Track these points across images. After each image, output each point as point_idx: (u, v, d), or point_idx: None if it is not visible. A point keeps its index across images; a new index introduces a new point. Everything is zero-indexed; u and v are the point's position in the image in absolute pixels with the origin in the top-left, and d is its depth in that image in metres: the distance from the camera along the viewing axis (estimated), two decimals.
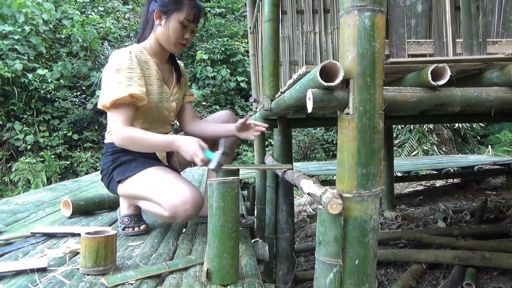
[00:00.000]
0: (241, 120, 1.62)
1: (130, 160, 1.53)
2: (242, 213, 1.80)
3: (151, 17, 1.54)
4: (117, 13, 8.99)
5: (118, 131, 1.40)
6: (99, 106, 1.46)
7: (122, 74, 1.42)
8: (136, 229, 1.60)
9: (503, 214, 3.21)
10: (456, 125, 7.58)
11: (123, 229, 1.60)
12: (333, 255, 0.86)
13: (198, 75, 7.99)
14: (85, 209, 1.96)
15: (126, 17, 9.32)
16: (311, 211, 4.45)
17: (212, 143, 1.65)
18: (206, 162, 1.34)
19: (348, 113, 0.84)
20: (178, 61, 1.75)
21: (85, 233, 1.11)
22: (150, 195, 1.43)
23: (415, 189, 5.13)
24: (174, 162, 1.75)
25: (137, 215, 1.64)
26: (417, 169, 4.24)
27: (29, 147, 6.51)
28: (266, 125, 1.65)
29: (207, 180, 1.13)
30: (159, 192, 1.40)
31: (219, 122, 1.73)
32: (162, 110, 1.60)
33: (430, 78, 0.92)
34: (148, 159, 1.55)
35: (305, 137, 8.10)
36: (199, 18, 1.56)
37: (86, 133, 6.96)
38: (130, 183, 1.50)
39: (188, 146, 1.37)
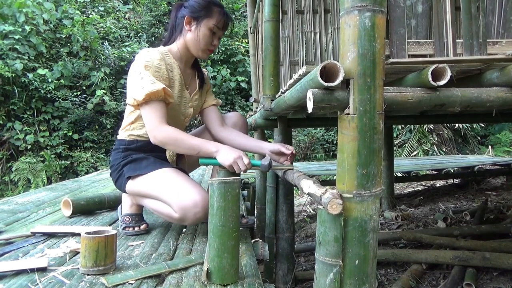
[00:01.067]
0: (280, 148, 1.50)
1: (141, 158, 1.54)
2: (242, 213, 1.80)
3: (181, 22, 1.56)
4: (117, 13, 9.00)
5: (158, 129, 1.40)
6: (129, 102, 1.47)
7: (152, 71, 1.44)
8: (136, 228, 1.60)
9: (503, 214, 3.21)
10: (456, 125, 7.59)
11: (124, 228, 1.60)
12: (333, 255, 0.86)
13: None
14: (85, 209, 1.96)
15: (126, 17, 9.33)
16: (311, 211, 4.45)
17: None
18: (250, 166, 1.36)
19: (348, 113, 0.84)
20: (203, 69, 1.76)
21: (85, 233, 1.11)
22: (160, 195, 1.43)
23: (415, 189, 5.13)
24: (183, 164, 1.76)
25: (139, 215, 1.65)
26: (417, 169, 4.24)
27: (29, 146, 6.52)
28: (294, 152, 1.55)
29: (208, 180, 1.12)
30: (170, 193, 1.40)
31: (229, 124, 1.71)
32: (178, 115, 1.62)
33: (430, 79, 0.92)
34: (159, 159, 1.57)
35: (305, 137, 8.10)
36: (227, 26, 1.60)
37: (86, 133, 6.96)
38: (141, 181, 1.49)
39: (230, 151, 1.36)
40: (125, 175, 1.53)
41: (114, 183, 1.63)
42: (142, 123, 1.51)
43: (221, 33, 1.59)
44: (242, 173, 1.36)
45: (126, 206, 1.65)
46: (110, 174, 1.64)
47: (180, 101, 1.61)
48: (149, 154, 1.55)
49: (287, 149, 1.49)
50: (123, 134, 1.59)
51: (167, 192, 1.41)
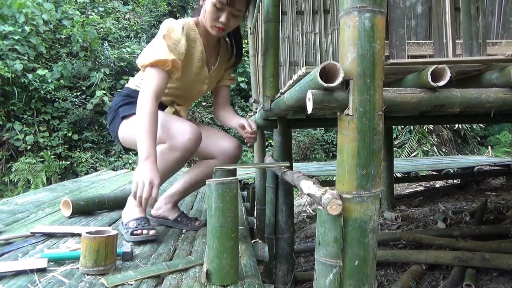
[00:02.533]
0: (244, 123, 1.66)
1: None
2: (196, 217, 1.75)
3: None
4: (117, 13, 9.00)
5: (146, 96, 1.38)
6: (138, 63, 1.48)
7: (169, 42, 1.44)
8: (145, 231, 1.44)
9: (502, 215, 3.21)
10: (456, 126, 7.59)
11: (132, 233, 1.43)
12: (332, 256, 0.86)
13: None
14: (85, 209, 1.96)
15: (126, 17, 9.33)
16: (311, 211, 4.45)
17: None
18: (153, 200, 1.26)
19: (348, 114, 0.84)
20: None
21: (86, 233, 1.11)
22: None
23: (415, 189, 5.14)
24: None
25: (144, 218, 1.50)
26: (417, 170, 4.24)
27: (29, 147, 6.51)
28: (251, 131, 1.65)
29: (207, 181, 1.11)
30: (163, 126, 1.44)
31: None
32: (192, 90, 1.66)
33: (430, 79, 0.92)
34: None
35: (305, 137, 8.11)
36: (234, 2, 1.45)
37: (86, 134, 6.96)
38: (134, 120, 1.47)
39: (146, 171, 1.26)
40: (120, 114, 1.56)
41: (109, 124, 1.66)
42: None
43: (232, 10, 1.47)
44: (143, 203, 1.25)
45: (128, 214, 1.53)
46: (107, 118, 1.68)
47: (197, 78, 1.62)
48: None
49: (249, 126, 1.62)
50: (132, 83, 1.65)
51: (160, 130, 1.42)
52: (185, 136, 1.42)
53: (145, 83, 1.42)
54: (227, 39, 1.76)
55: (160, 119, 1.44)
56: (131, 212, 1.54)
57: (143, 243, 1.43)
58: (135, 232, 1.43)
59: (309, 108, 0.88)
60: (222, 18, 1.48)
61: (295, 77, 1.14)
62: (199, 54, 1.57)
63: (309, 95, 0.87)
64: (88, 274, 1.10)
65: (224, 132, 1.73)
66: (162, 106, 1.61)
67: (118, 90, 7.36)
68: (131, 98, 1.59)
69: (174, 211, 1.71)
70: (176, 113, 1.67)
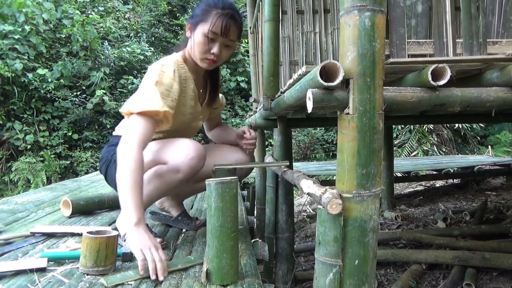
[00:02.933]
0: (243, 131, 1.63)
1: None
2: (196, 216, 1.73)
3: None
4: (117, 12, 9.00)
5: (131, 144, 1.22)
6: (122, 111, 1.33)
7: (161, 89, 1.30)
8: None
9: (503, 214, 3.21)
10: (456, 125, 7.59)
11: None
12: (332, 255, 0.86)
13: None
14: (84, 209, 1.96)
15: (126, 17, 9.33)
16: (311, 211, 4.45)
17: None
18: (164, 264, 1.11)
19: (348, 113, 0.84)
20: (220, 95, 1.70)
21: (87, 233, 1.11)
22: (154, 157, 1.35)
23: (415, 189, 5.13)
24: None
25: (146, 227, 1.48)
26: (417, 170, 4.24)
27: (29, 146, 6.52)
28: (251, 139, 1.62)
29: (206, 181, 1.08)
30: (162, 150, 1.35)
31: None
32: (187, 129, 1.57)
33: (430, 78, 0.92)
34: None
35: (305, 137, 8.11)
36: (227, 30, 1.35)
37: (86, 133, 6.97)
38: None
39: (146, 241, 1.13)
40: (116, 161, 1.41)
41: (105, 176, 1.51)
42: None
43: (225, 40, 1.38)
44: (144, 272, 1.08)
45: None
46: (100, 170, 1.54)
47: (192, 117, 1.52)
48: None
49: (248, 131, 1.59)
50: (120, 131, 1.49)
51: (160, 151, 1.35)
52: (189, 155, 1.28)
53: (130, 131, 1.25)
54: None
55: (157, 143, 1.37)
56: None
57: None
58: None
59: (309, 107, 0.88)
60: (215, 49, 1.37)
61: (295, 76, 1.14)
62: (191, 92, 1.46)
63: (309, 94, 0.87)
64: (87, 274, 1.10)
65: (229, 145, 1.66)
66: None
67: (118, 89, 7.37)
68: None
69: (178, 208, 1.71)
70: None
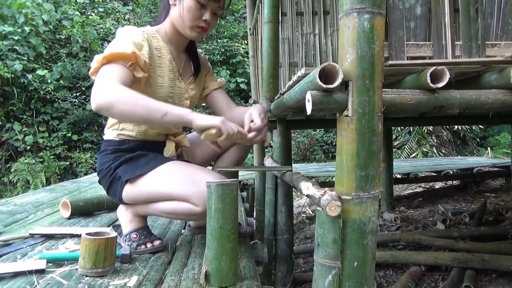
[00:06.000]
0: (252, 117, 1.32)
1: (137, 156, 1.31)
2: (239, 222, 1.69)
3: None
4: (117, 14, 9.00)
5: (109, 86, 1.09)
6: (90, 72, 1.21)
7: (133, 39, 1.22)
8: (149, 245, 1.33)
9: (502, 216, 3.21)
10: (456, 127, 7.60)
11: (136, 247, 1.31)
12: (331, 257, 0.86)
13: None
14: (84, 210, 1.96)
15: (126, 18, 9.33)
16: (310, 212, 4.45)
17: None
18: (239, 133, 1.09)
19: (347, 115, 0.84)
20: (199, 51, 1.51)
21: (86, 234, 1.11)
22: (174, 191, 1.21)
23: (414, 191, 5.14)
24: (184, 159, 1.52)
25: (145, 228, 1.39)
26: (416, 171, 4.24)
27: (28, 147, 6.51)
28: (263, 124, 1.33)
29: (206, 181, 1.07)
30: (186, 185, 1.19)
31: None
32: None
33: (429, 81, 0.92)
34: (160, 155, 1.37)
35: (305, 138, 8.11)
36: None
37: (86, 134, 6.96)
38: (144, 183, 1.25)
39: (211, 116, 1.12)
40: (122, 178, 1.28)
41: (106, 190, 1.39)
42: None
43: (215, 6, 1.30)
44: (226, 140, 1.12)
45: (126, 223, 1.39)
46: (99, 181, 1.40)
47: (173, 92, 1.36)
48: (147, 150, 1.35)
49: (259, 118, 1.28)
50: (111, 133, 1.36)
51: (182, 185, 1.19)
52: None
53: (99, 80, 1.12)
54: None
55: (177, 173, 1.23)
56: (130, 222, 1.39)
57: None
58: (138, 248, 1.32)
59: (308, 109, 0.88)
60: (206, 16, 1.29)
61: (294, 78, 1.14)
62: (168, 63, 1.34)
63: (308, 96, 0.87)
64: (86, 276, 1.10)
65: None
66: (157, 145, 1.41)
67: None
68: (122, 152, 1.33)
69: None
70: (177, 147, 1.45)
